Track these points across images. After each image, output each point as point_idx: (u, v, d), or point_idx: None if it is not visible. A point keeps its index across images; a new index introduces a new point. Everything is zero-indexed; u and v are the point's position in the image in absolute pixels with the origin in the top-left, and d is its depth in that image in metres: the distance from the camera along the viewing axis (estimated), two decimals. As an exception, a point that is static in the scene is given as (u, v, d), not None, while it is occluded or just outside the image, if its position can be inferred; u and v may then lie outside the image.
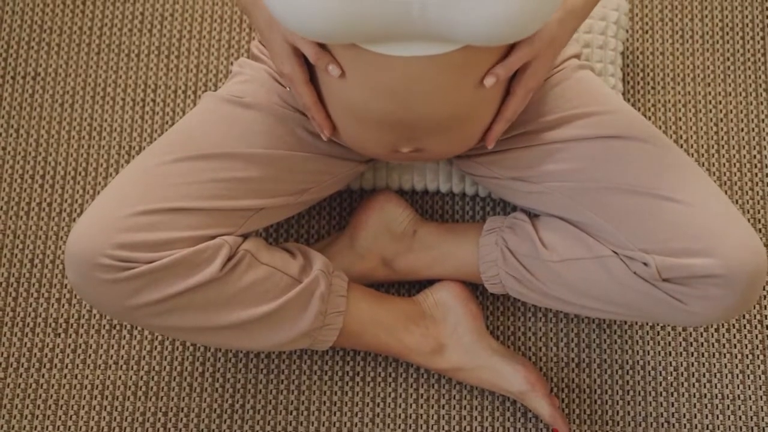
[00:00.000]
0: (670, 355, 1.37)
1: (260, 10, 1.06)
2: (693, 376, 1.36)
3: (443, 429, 1.34)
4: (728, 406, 1.35)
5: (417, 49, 0.96)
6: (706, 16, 1.52)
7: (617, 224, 1.12)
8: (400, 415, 1.34)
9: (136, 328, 1.37)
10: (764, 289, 1.39)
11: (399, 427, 1.34)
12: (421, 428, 1.34)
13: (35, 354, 1.37)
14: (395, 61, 0.97)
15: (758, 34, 1.51)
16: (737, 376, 1.36)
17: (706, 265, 1.06)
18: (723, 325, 1.38)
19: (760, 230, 1.42)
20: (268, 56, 1.22)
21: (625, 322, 1.38)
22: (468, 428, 1.34)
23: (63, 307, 1.39)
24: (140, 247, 1.06)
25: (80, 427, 1.34)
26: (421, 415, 1.34)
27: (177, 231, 1.09)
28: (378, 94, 1.02)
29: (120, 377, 1.36)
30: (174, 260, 1.07)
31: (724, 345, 1.37)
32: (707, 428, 1.34)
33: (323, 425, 1.34)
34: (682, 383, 1.36)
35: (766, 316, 1.39)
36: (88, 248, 1.05)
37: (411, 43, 0.96)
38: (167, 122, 1.47)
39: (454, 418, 1.34)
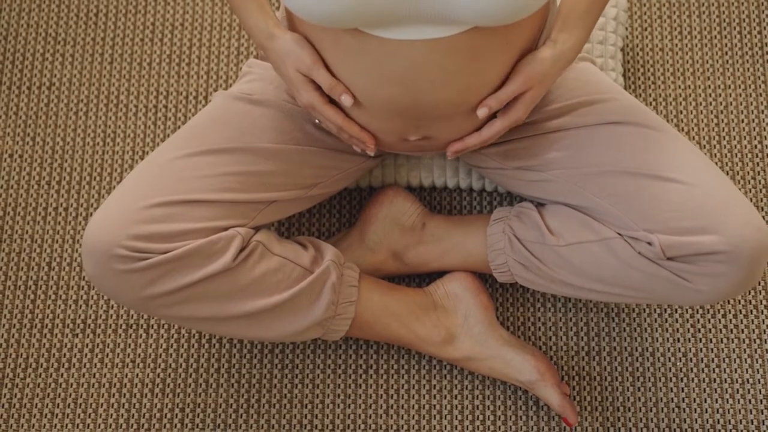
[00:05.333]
0: (678, 341, 1.39)
1: (274, 44, 1.09)
2: (702, 361, 1.38)
3: (456, 419, 1.35)
4: (737, 390, 1.36)
5: (422, 33, 0.99)
6: (704, 12, 1.56)
7: (621, 207, 1.14)
8: (413, 405, 1.36)
9: (152, 327, 1.40)
10: (769, 275, 1.42)
11: (413, 418, 1.36)
12: (434, 418, 1.36)
13: (54, 354, 1.39)
14: (400, 46, 1.00)
15: (755, 28, 1.55)
16: (746, 360, 1.37)
17: (710, 242, 1.08)
18: (730, 310, 1.40)
19: (762, 218, 1.44)
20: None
21: (634, 310, 1.40)
22: (480, 417, 1.35)
23: (80, 308, 1.42)
24: (155, 238, 1.09)
25: (99, 425, 1.36)
26: (434, 405, 1.36)
27: (191, 222, 1.11)
28: (384, 81, 1.04)
29: (137, 375, 1.38)
30: (188, 250, 1.10)
31: (731, 330, 1.39)
32: (717, 412, 1.35)
33: (338, 417, 1.36)
34: (692, 369, 1.37)
35: (772, 301, 1.41)
36: (104, 240, 1.08)
37: (416, 26, 0.98)
38: (179, 127, 1.50)
39: (466, 408, 1.36)
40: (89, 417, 1.37)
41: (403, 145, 1.18)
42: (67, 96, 1.53)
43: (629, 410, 1.35)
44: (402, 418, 1.36)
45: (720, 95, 1.51)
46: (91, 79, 1.54)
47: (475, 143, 1.14)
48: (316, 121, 1.15)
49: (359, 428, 1.35)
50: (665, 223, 1.11)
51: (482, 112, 1.06)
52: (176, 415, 1.37)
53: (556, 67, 1.09)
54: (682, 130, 1.49)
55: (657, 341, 1.39)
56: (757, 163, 1.47)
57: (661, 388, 1.36)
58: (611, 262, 1.16)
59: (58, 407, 1.37)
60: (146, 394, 1.38)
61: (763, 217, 1.44)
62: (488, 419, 1.35)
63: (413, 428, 1.35)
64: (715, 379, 1.37)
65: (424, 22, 0.98)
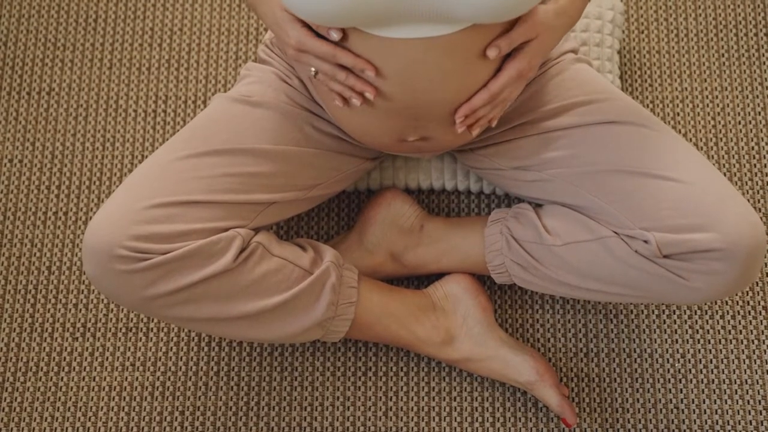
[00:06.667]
0: (676, 342, 1.39)
1: None
2: (700, 362, 1.38)
3: (455, 420, 1.36)
4: (736, 390, 1.36)
5: (420, 31, 0.99)
6: (700, 15, 1.57)
7: (617, 205, 1.15)
8: (412, 408, 1.36)
9: (152, 330, 1.40)
10: (767, 276, 1.42)
11: (412, 420, 1.36)
12: (434, 420, 1.36)
13: (54, 358, 1.40)
14: (398, 45, 1.01)
15: (751, 31, 1.56)
16: (744, 361, 1.38)
17: (706, 239, 1.08)
18: (728, 311, 1.40)
19: (760, 219, 1.44)
20: (274, 59, 1.26)
21: (632, 311, 1.40)
22: (479, 419, 1.36)
23: (80, 311, 1.42)
24: (156, 239, 1.09)
25: (99, 428, 1.36)
26: (433, 407, 1.36)
27: (191, 223, 1.12)
28: (383, 80, 1.05)
29: (137, 378, 1.39)
30: (188, 251, 1.10)
31: (729, 331, 1.39)
32: (716, 413, 1.35)
33: (337, 420, 1.36)
34: (690, 370, 1.38)
35: (770, 302, 1.41)
36: (105, 240, 1.08)
37: (414, 25, 0.99)
38: (178, 132, 1.50)
39: (465, 410, 1.36)
40: (89, 420, 1.37)
41: (401, 146, 1.19)
42: (67, 101, 1.53)
43: (628, 411, 1.36)
44: (401, 420, 1.36)
45: (716, 97, 1.52)
46: (91, 84, 1.54)
47: (483, 99, 1.09)
48: (312, 71, 1.09)
49: (358, 430, 1.36)
50: (662, 221, 1.11)
51: (492, 52, 1.03)
52: (176, 418, 1.37)
53: (560, 22, 1.08)
54: (679, 131, 1.50)
55: (655, 342, 1.39)
56: (754, 165, 1.48)
57: (659, 389, 1.37)
58: (608, 261, 1.16)
59: (58, 411, 1.37)
60: (146, 397, 1.38)
61: (764, 216, 1.44)
62: (487, 421, 1.36)
63: (412, 430, 1.35)
64: (713, 380, 1.37)
65: (422, 21, 0.99)
